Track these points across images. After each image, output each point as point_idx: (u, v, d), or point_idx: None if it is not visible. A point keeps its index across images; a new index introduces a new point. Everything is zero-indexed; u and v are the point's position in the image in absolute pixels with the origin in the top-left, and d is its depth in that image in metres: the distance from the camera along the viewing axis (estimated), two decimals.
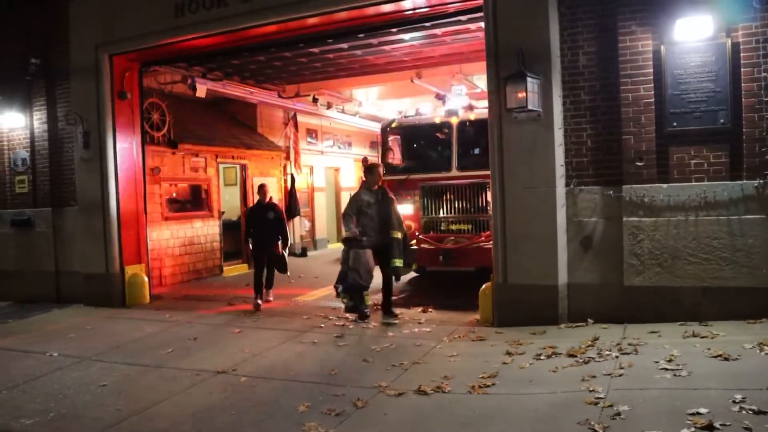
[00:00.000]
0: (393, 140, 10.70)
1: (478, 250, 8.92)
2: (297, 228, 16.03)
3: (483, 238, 9.12)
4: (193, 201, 12.43)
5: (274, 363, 6.37)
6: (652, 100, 6.60)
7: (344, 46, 10.00)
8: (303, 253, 15.83)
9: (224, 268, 12.89)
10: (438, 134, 10.12)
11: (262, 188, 9.63)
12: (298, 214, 15.65)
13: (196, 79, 11.04)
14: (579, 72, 6.95)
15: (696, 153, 6.50)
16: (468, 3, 7.62)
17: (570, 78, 6.97)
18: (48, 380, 6.16)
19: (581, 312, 6.96)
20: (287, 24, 8.39)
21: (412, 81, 12.39)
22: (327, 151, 17.81)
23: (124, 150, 9.75)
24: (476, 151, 9.70)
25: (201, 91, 11.07)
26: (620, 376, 5.03)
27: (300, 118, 15.64)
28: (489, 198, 9.11)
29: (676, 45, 6.48)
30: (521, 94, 6.63)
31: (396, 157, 10.66)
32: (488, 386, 5.16)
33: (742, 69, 6.28)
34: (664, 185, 6.58)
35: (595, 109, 6.91)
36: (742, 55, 6.28)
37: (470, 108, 10.06)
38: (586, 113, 6.94)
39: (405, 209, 10.02)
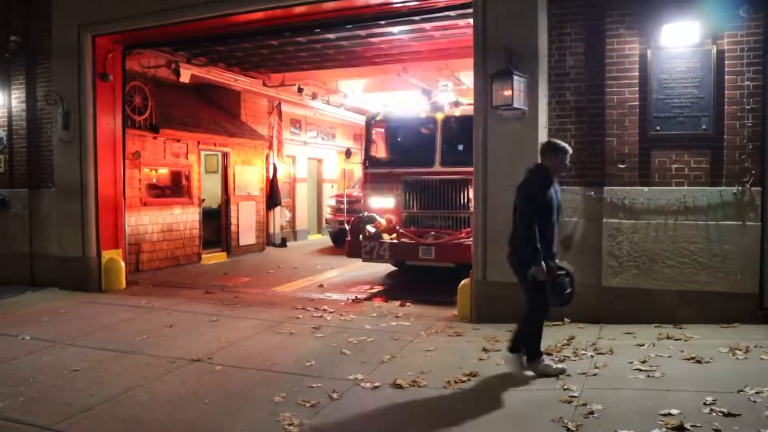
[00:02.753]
0: (377, 133, 10.66)
1: (458, 247, 8.92)
2: (278, 218, 15.95)
3: (463, 235, 9.11)
4: (173, 187, 12.29)
5: (250, 353, 6.33)
6: (637, 103, 6.65)
7: (331, 36, 9.93)
8: (283, 244, 15.76)
9: (203, 256, 12.78)
10: (422, 129, 10.08)
11: None
12: (280, 204, 15.58)
13: (181, 63, 10.90)
14: (566, 72, 6.98)
15: (677, 158, 6.57)
16: None
17: (557, 78, 7.00)
18: (20, 363, 6.06)
19: (559, 311, 6.90)
20: (273, 11, 8.32)
21: (398, 75, 12.37)
22: (310, 142, 17.73)
23: (104, 133, 9.58)
24: (460, 147, 9.68)
25: (185, 76, 10.94)
26: (595, 375, 5.08)
27: (284, 107, 15.54)
28: (471, 195, 9.10)
29: (663, 50, 6.53)
30: (507, 92, 6.64)
31: (379, 150, 10.60)
32: (464, 382, 5.17)
33: (726, 76, 6.36)
34: (645, 188, 6.65)
35: (581, 110, 6.94)
36: (726, 62, 6.36)
37: (456, 104, 10.04)
38: (572, 114, 6.98)
39: (387, 203, 10.03)
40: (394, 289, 10.01)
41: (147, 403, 4.99)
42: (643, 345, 5.79)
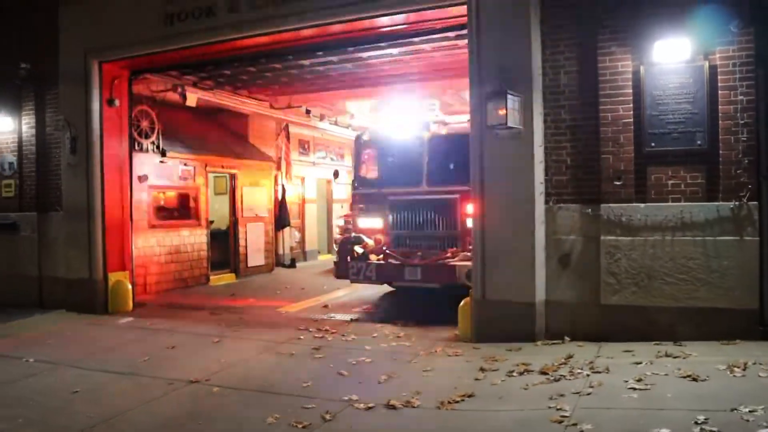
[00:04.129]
0: (365, 153, 10.63)
1: (443, 267, 8.82)
2: (287, 239, 16.05)
3: (449, 255, 9.01)
4: (180, 209, 12.43)
5: (248, 374, 6.37)
6: (631, 120, 6.66)
7: (334, 59, 10.08)
8: (292, 264, 15.82)
9: (211, 278, 12.87)
10: (409, 148, 9.98)
11: None
12: (288, 225, 15.68)
13: (187, 87, 11.10)
14: (560, 91, 7.01)
15: (673, 174, 6.55)
16: (455, 20, 7.69)
17: (551, 96, 7.03)
18: (21, 385, 6.15)
19: (559, 329, 6.97)
20: (281, 35, 8.48)
21: (403, 96, 12.44)
22: (319, 163, 17.86)
23: (111, 157, 9.77)
24: (448, 166, 9.60)
25: (191, 99, 11.14)
26: (588, 394, 5.03)
27: (292, 129, 15.71)
28: (458, 214, 9.22)
29: (655, 66, 6.55)
30: (501, 112, 6.68)
31: (368, 170, 10.59)
32: (458, 402, 5.15)
33: (720, 91, 6.35)
34: (642, 205, 6.63)
35: (576, 128, 6.96)
36: (719, 77, 6.35)
37: (443, 123, 9.99)
38: (567, 132, 7.00)
39: (375, 223, 9.99)
40: (398, 309, 9.98)
41: (142, 424, 5.05)
42: (640, 363, 5.73)
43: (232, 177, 13.52)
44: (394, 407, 5.11)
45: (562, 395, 5.05)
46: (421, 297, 10.72)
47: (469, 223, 8.84)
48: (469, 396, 5.27)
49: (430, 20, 7.85)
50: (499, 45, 7.01)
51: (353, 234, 10.14)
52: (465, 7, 7.18)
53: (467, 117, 9.84)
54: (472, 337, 7.24)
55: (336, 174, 11.80)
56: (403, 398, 5.27)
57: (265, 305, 10.40)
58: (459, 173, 9.23)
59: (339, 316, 9.36)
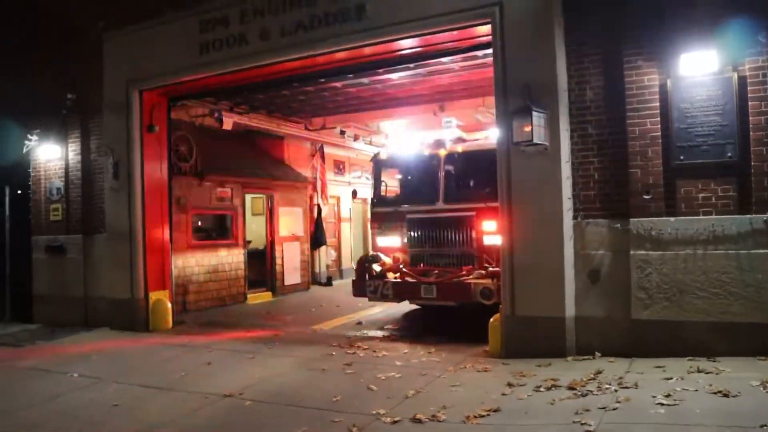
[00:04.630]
0: (383, 171, 10.69)
1: (458, 285, 8.77)
2: (323, 257, 16.26)
3: (464, 273, 8.95)
4: (218, 230, 12.79)
5: (280, 388, 6.50)
6: (659, 133, 6.63)
7: (365, 80, 10.31)
8: (329, 282, 16.01)
9: (248, 296, 13.14)
10: (426, 166, 10.00)
11: None
12: (325, 244, 15.90)
13: (223, 112, 11.48)
14: (586, 106, 7.04)
15: (704, 187, 6.48)
16: (481, 39, 7.79)
17: (577, 112, 7.06)
18: (64, 400, 6.43)
19: (589, 345, 6.91)
20: (305, 61, 8.73)
21: (435, 114, 12.60)
22: (354, 182, 18.09)
23: (151, 181, 10.16)
24: (464, 184, 9.65)
25: (227, 123, 11.51)
26: (615, 410, 5.00)
27: (327, 149, 15.99)
28: (474, 232, 9.21)
29: (682, 79, 6.53)
30: (527, 128, 6.74)
31: (386, 189, 10.65)
32: (483, 416, 5.18)
33: (750, 103, 6.29)
34: (672, 219, 6.56)
35: (603, 143, 6.96)
36: (749, 89, 6.29)
37: (460, 140, 10.03)
38: (594, 147, 7.00)
39: (393, 241, 10.04)
40: (430, 326, 10.01)
41: None
42: (671, 379, 5.65)
43: (269, 198, 13.84)
44: (420, 421, 5.17)
45: (587, 410, 5.02)
46: (454, 313, 10.74)
47: (486, 240, 8.99)
48: (495, 411, 5.29)
49: (456, 40, 7.97)
50: (524, 62, 7.08)
51: (371, 252, 10.18)
52: (489, 26, 7.29)
53: (485, 134, 9.96)
54: (502, 353, 7.24)
55: (354, 194, 11.93)
56: (429, 413, 5.32)
57: (300, 322, 10.56)
58: (475, 191, 9.41)
59: (372, 333, 9.45)
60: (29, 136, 10.98)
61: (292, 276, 14.38)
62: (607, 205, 6.93)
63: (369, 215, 10.97)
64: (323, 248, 16.04)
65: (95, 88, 10.41)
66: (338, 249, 17.23)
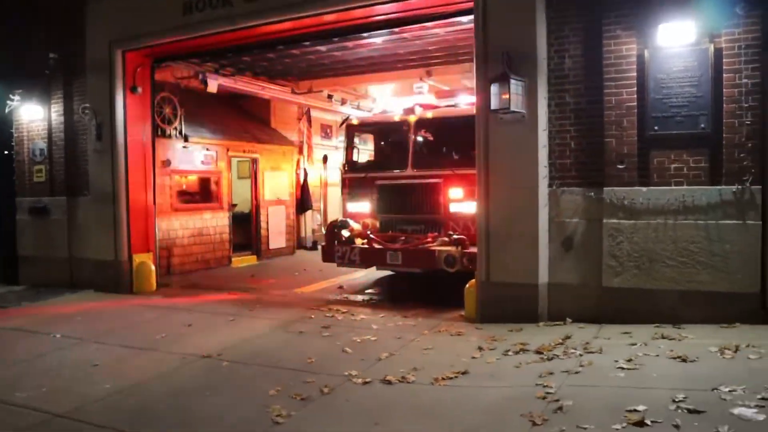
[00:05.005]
0: (354, 137, 10.66)
1: (423, 252, 8.77)
2: (309, 222, 16.34)
3: (429, 240, 8.95)
4: (203, 193, 12.81)
5: (258, 350, 6.66)
6: (635, 104, 6.67)
7: (349, 44, 10.22)
8: (314, 247, 16.08)
9: (233, 259, 13.26)
10: (396, 133, 9.95)
11: None
12: (311, 208, 15.97)
13: (208, 74, 11.40)
14: (565, 75, 7.06)
15: (676, 157, 6.56)
16: (463, 5, 7.74)
17: (556, 81, 7.08)
18: (48, 359, 6.57)
19: (561, 311, 7.08)
20: (287, 23, 8.68)
21: (421, 79, 12.53)
22: (341, 147, 18.03)
23: (134, 142, 10.15)
24: (438, 150, 9.60)
25: (212, 86, 11.43)
26: (577, 373, 5.17)
27: (314, 113, 15.92)
28: (441, 199, 9.20)
29: (660, 50, 6.55)
30: (505, 96, 6.77)
31: (356, 155, 10.64)
32: (451, 378, 5.34)
33: (724, 75, 6.32)
34: (644, 188, 6.66)
35: (580, 112, 7.01)
36: (724, 60, 6.32)
37: (430, 106, 9.90)
38: (571, 116, 7.05)
39: (362, 207, 10.04)
40: (411, 290, 10.15)
41: (154, 394, 5.39)
42: (635, 344, 5.83)
43: (254, 161, 13.84)
44: (389, 382, 5.33)
45: (551, 373, 5.20)
46: (434, 279, 10.89)
47: (453, 207, 9.02)
48: (463, 373, 5.45)
49: (439, 5, 7.91)
50: (505, 29, 7.08)
51: (340, 218, 10.21)
52: None
53: (455, 100, 9.91)
54: (477, 317, 7.41)
55: (325, 159, 11.89)
56: (399, 374, 5.49)
57: (282, 286, 10.70)
58: (443, 157, 9.39)
59: (352, 297, 9.61)
60: (11, 96, 10.87)
61: (278, 240, 14.48)
62: (583, 173, 7.01)
63: (341, 180, 10.95)
64: (309, 213, 16.10)
65: (78, 48, 10.33)
66: (324, 213, 17.28)
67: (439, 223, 9.24)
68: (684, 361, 5.23)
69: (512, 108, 6.78)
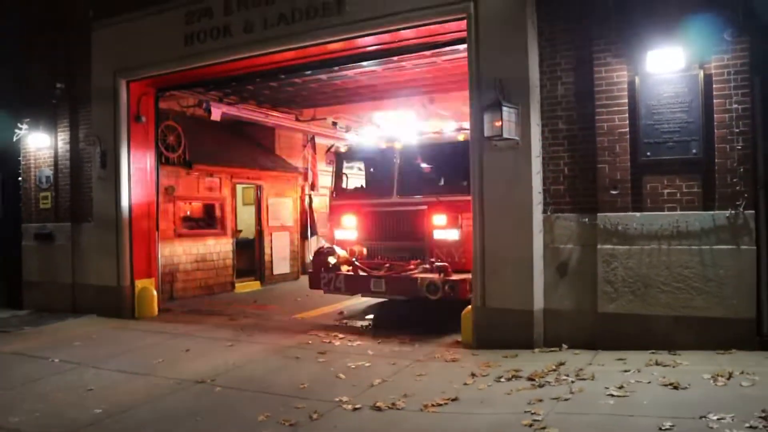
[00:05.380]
0: (342, 164, 10.62)
1: (406, 280, 8.66)
2: (314, 247, 16.36)
3: (412, 267, 8.85)
4: (206, 219, 12.94)
5: (252, 375, 6.68)
6: (627, 130, 6.71)
7: (349, 73, 10.36)
8: None
9: (237, 285, 13.31)
10: (383, 160, 9.94)
11: None
12: (316, 234, 16.04)
13: (211, 102, 11.59)
14: (557, 102, 7.12)
15: (669, 182, 6.57)
16: (458, 34, 7.86)
17: (549, 107, 7.15)
18: (44, 383, 6.62)
19: (557, 337, 7.04)
20: (287, 53, 8.85)
21: (424, 106, 12.65)
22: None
23: (138, 170, 10.32)
24: (423, 177, 9.50)
25: (216, 114, 11.62)
26: (566, 400, 5.13)
27: (319, 140, 16.06)
28: (425, 226, 9.11)
29: (650, 76, 6.60)
30: (498, 123, 6.84)
31: (344, 182, 10.62)
32: (441, 405, 5.32)
33: (715, 100, 6.36)
34: (638, 214, 6.66)
35: (573, 138, 7.05)
36: (714, 86, 6.36)
37: (417, 133, 9.89)
38: (564, 142, 7.09)
39: (350, 234, 9.97)
40: (412, 316, 10.13)
41: (143, 419, 5.42)
42: (628, 371, 5.78)
43: (258, 188, 13.97)
44: (379, 409, 5.32)
45: (540, 400, 5.16)
46: (437, 304, 10.86)
47: (437, 234, 8.95)
48: (453, 400, 5.43)
49: (434, 35, 8.04)
50: (497, 57, 7.17)
51: (326, 245, 10.16)
52: (465, 22, 7.38)
53: (443, 127, 9.86)
54: (473, 343, 7.38)
55: (312, 186, 11.80)
56: (390, 401, 5.48)
57: (284, 311, 10.72)
58: (428, 185, 9.36)
59: (351, 323, 9.61)
60: (19, 125, 11.13)
61: (281, 265, 14.54)
62: (576, 199, 7.03)
63: (329, 207, 10.96)
64: (315, 238, 16.17)
65: (84, 78, 10.56)
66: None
67: (423, 250, 9.13)
68: (676, 388, 5.17)
69: (505, 135, 6.84)
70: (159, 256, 10.76)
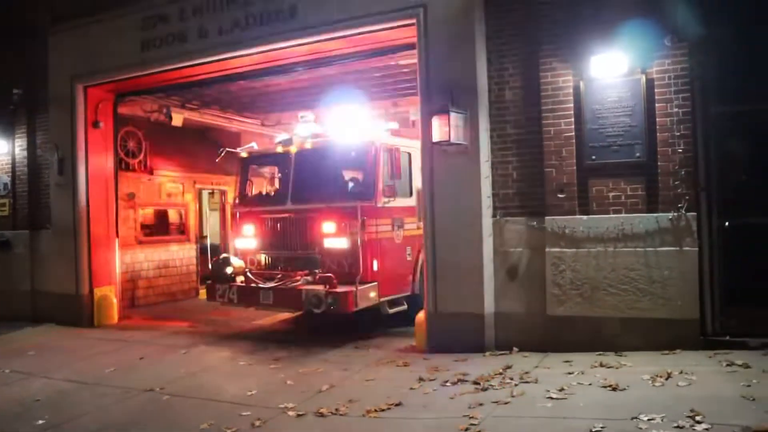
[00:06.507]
0: (243, 170, 10.04)
1: (291, 292, 8.20)
2: None
3: (298, 278, 8.34)
4: (169, 225, 12.81)
5: (202, 383, 6.66)
6: (573, 134, 6.79)
7: (307, 77, 10.32)
8: None
9: (200, 291, 13.19)
10: (280, 164, 9.45)
11: None
12: None
13: (173, 108, 11.51)
14: (505, 106, 7.18)
15: (614, 186, 6.65)
16: (409, 39, 7.87)
17: (497, 112, 7.21)
18: None
19: (508, 340, 7.09)
20: (243, 59, 8.85)
21: (386, 111, 12.65)
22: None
23: (96, 176, 10.21)
24: (315, 182, 8.89)
25: (177, 119, 11.55)
26: (506, 403, 5.17)
27: None
28: (315, 234, 8.59)
29: (594, 81, 6.68)
30: (445, 128, 6.87)
31: (245, 188, 10.00)
32: (383, 410, 5.33)
33: (657, 104, 6.46)
34: (584, 217, 6.73)
35: (521, 143, 7.12)
36: (656, 90, 6.46)
37: (312, 136, 9.19)
38: (512, 146, 7.16)
39: (249, 243, 9.41)
40: (376, 320, 10.13)
41: (87, 429, 5.41)
42: (572, 373, 5.83)
43: (223, 193, 13.89)
44: (323, 415, 5.33)
45: (481, 404, 5.19)
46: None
47: (326, 243, 8.46)
48: (397, 405, 5.44)
49: (386, 40, 8.07)
50: (446, 62, 7.21)
51: (222, 254, 9.66)
52: (414, 27, 7.41)
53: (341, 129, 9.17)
54: (426, 348, 7.40)
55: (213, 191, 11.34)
56: (334, 407, 5.48)
57: (245, 318, 10.62)
58: (318, 190, 8.76)
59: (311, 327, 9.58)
60: None
61: None
62: (525, 203, 7.09)
63: (231, 215, 10.47)
64: None
65: (42, 83, 10.45)
66: None
67: (314, 259, 8.62)
68: (614, 389, 5.23)
69: (452, 140, 6.88)
70: (119, 263, 10.65)
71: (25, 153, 10.76)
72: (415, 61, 8.91)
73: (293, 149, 9.14)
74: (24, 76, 10.76)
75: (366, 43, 8.20)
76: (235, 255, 9.51)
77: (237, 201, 10.00)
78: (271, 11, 8.27)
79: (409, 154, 9.03)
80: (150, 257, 12.02)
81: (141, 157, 11.73)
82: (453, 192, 7.22)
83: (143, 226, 12.03)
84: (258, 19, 8.37)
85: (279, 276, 8.69)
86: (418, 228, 8.44)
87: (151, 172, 11.90)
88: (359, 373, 6.70)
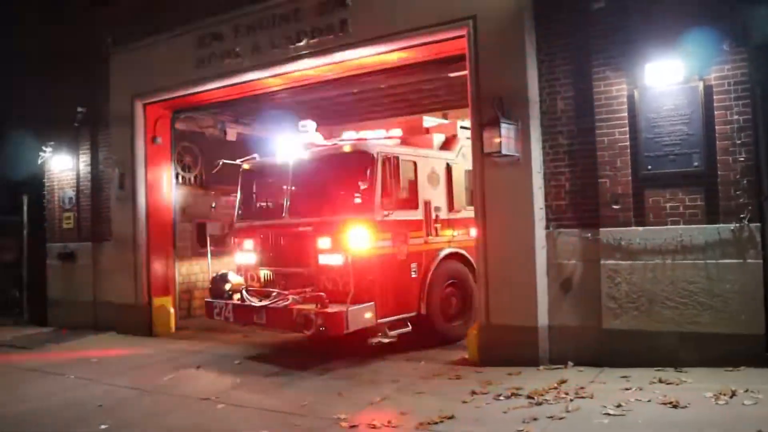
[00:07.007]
0: (246, 183, 9.62)
1: (283, 311, 7.74)
2: None
3: (289, 297, 7.84)
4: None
5: (256, 391, 6.77)
6: (627, 143, 6.64)
7: (354, 90, 10.44)
8: None
9: None
10: (280, 177, 8.92)
11: None
12: None
13: (227, 123, 11.83)
14: (557, 117, 7.10)
15: (671, 196, 6.47)
16: (459, 50, 7.88)
17: (549, 123, 7.13)
18: (56, 399, 6.86)
19: (563, 354, 6.95)
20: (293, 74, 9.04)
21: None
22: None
23: (155, 191, 10.61)
24: (312, 195, 8.57)
25: (231, 134, 11.85)
26: (561, 419, 5.07)
27: None
28: (310, 250, 8.10)
29: (649, 89, 6.54)
30: (496, 140, 6.83)
31: (245, 202, 9.60)
32: (435, 423, 5.30)
33: (716, 112, 6.26)
34: (640, 228, 6.57)
35: (573, 153, 7.01)
36: (714, 97, 6.27)
37: (311, 146, 8.86)
38: (565, 157, 7.06)
39: (248, 258, 9.05)
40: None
41: None
42: (629, 389, 5.67)
43: None
44: (375, 427, 5.34)
45: (535, 419, 5.11)
46: None
47: (321, 259, 7.97)
48: (449, 418, 5.40)
49: (434, 53, 8.11)
50: (496, 74, 7.18)
51: (221, 271, 9.24)
52: (465, 40, 7.42)
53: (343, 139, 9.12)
54: (478, 361, 7.32)
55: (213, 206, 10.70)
56: (386, 419, 5.49)
57: None
58: (315, 203, 8.39)
59: (376, 339, 9.42)
60: (44, 148, 11.57)
61: None
62: (578, 214, 6.97)
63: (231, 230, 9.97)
64: None
65: (104, 101, 10.94)
66: None
67: (308, 276, 8.14)
68: (675, 407, 5.07)
69: (503, 151, 6.84)
70: (177, 274, 10.98)
71: (88, 168, 11.26)
72: (465, 72, 9.08)
73: (291, 160, 8.73)
74: (87, 95, 11.26)
75: (419, 55, 8.24)
76: (237, 271, 9.14)
77: (237, 214, 9.60)
78: (322, 27, 8.42)
79: (415, 164, 8.39)
80: (205, 269, 12.29)
81: (197, 171, 12.07)
82: (505, 204, 7.16)
83: (198, 239, 12.32)
84: (309, 34, 8.54)
85: (274, 294, 8.22)
86: (426, 243, 8.22)
87: (206, 187, 12.21)
88: (412, 385, 6.68)
